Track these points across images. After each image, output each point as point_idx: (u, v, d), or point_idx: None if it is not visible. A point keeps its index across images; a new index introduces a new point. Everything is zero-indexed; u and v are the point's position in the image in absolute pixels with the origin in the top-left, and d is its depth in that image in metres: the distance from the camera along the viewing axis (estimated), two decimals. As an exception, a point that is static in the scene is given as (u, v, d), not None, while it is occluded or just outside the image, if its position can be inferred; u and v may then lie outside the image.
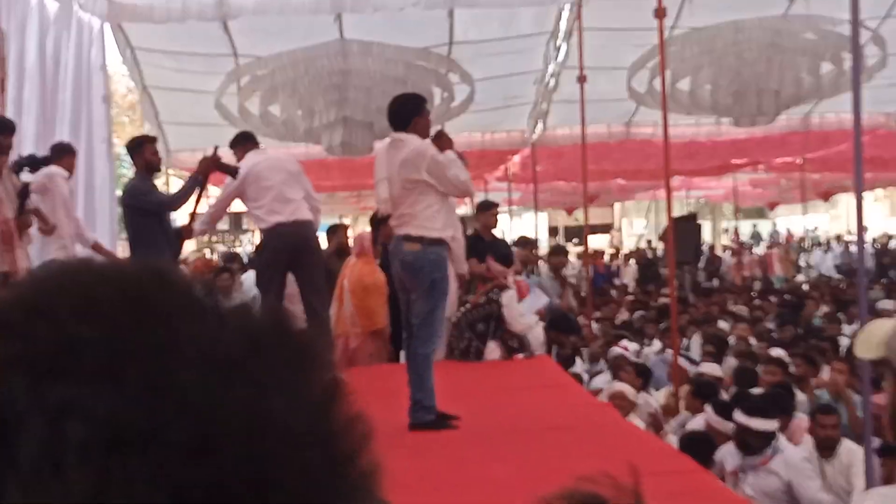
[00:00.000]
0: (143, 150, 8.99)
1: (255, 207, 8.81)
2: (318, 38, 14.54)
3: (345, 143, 14.90)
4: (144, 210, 8.69)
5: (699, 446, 7.19)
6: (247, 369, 0.63)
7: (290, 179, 8.85)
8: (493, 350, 10.11)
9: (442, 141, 7.23)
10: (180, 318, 0.64)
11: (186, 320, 0.64)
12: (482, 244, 11.07)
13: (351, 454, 0.66)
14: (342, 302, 10.40)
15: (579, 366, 11.28)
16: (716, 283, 25.51)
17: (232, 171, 8.76)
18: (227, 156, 9.24)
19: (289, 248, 8.68)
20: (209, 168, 8.90)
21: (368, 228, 11.93)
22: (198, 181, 8.91)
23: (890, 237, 34.28)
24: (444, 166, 6.88)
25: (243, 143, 9.31)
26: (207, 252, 28.16)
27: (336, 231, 12.34)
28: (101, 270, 0.68)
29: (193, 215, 9.44)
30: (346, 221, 38.18)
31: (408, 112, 7.11)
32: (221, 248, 33.91)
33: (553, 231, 46.46)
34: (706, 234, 34.27)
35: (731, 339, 12.41)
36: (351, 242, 11.84)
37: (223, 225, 31.19)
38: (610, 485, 1.06)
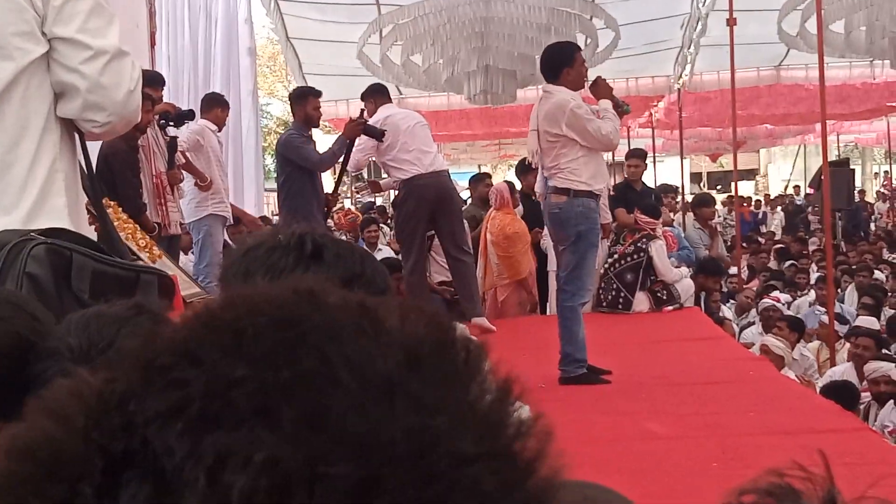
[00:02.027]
0: (306, 103, 9.05)
1: (390, 159, 8.79)
2: (460, -15, 14.42)
3: (486, 91, 14.78)
4: (296, 164, 8.75)
5: (842, 394, 6.99)
6: (406, 389, 0.58)
7: (424, 132, 8.85)
8: (641, 301, 9.97)
9: (599, 89, 7.14)
10: (334, 340, 0.59)
11: (340, 342, 0.59)
12: (632, 193, 10.91)
13: (527, 469, 0.60)
14: (487, 255, 10.36)
15: (727, 313, 11.04)
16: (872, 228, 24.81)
17: (378, 135, 8.73)
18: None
19: (429, 199, 8.67)
20: (356, 131, 8.87)
21: (509, 177, 11.87)
22: (346, 144, 8.91)
23: None
24: (583, 120, 6.74)
25: (376, 95, 9.27)
26: (348, 203, 28.42)
27: (479, 181, 12.27)
28: (251, 300, 0.63)
29: (338, 185, 9.51)
30: (487, 170, 38.35)
31: (556, 63, 6.98)
32: (367, 198, 34.24)
33: (696, 177, 45.79)
34: (857, 180, 33.32)
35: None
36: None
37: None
38: (802, 476, 0.97)
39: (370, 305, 0.64)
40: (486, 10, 14.45)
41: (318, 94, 9.34)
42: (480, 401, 0.61)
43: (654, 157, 23.67)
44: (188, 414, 0.56)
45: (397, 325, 0.62)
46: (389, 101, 9.38)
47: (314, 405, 0.56)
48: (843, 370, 8.35)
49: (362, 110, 9.08)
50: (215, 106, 9.79)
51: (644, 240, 10.05)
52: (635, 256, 10.00)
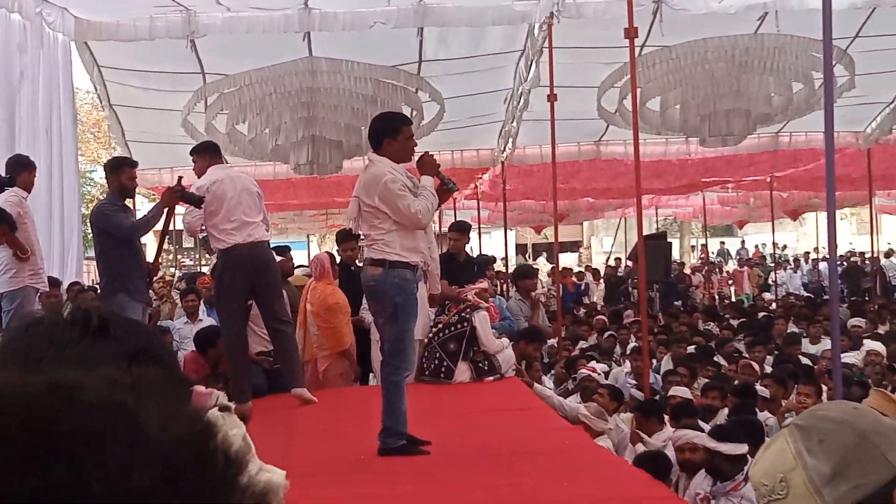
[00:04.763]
0: (121, 174, 8.88)
1: (212, 226, 8.67)
2: (286, 56, 14.47)
3: (313, 161, 14.82)
4: (110, 233, 8.58)
5: (655, 464, 7.12)
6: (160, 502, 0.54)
7: (251, 200, 8.75)
8: (463, 371, 10.01)
9: (425, 165, 7.09)
10: (88, 447, 0.55)
11: (95, 449, 0.56)
12: (454, 264, 11.01)
13: None
14: (306, 325, 10.31)
15: (547, 383, 11.17)
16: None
17: (196, 201, 8.60)
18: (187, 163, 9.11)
19: (247, 270, 8.60)
20: (174, 199, 8.75)
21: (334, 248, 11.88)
22: (161, 211, 8.78)
23: (856, 254, 34.49)
24: (395, 195, 6.69)
25: (207, 153, 9.11)
26: (172, 269, 27.98)
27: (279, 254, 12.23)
28: (4, 396, 0.58)
29: (159, 253, 9.36)
30: (314, 240, 38.23)
31: (380, 132, 6.95)
32: (188, 262, 33.79)
33: (522, 248, 46.55)
34: (674, 253, 34.36)
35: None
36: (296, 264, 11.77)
37: (188, 242, 31.02)
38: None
39: (130, 407, 0.60)
40: (313, 81, 14.51)
41: (133, 164, 9.20)
42: None
43: (480, 228, 23.97)
44: None
45: (157, 432, 0.59)
46: (221, 160, 9.25)
47: None
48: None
49: (180, 177, 8.96)
50: (23, 170, 9.50)
51: (468, 310, 10.14)
52: (459, 326, 10.06)
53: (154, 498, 0.54)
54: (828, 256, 8.00)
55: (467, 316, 10.10)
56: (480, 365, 10.10)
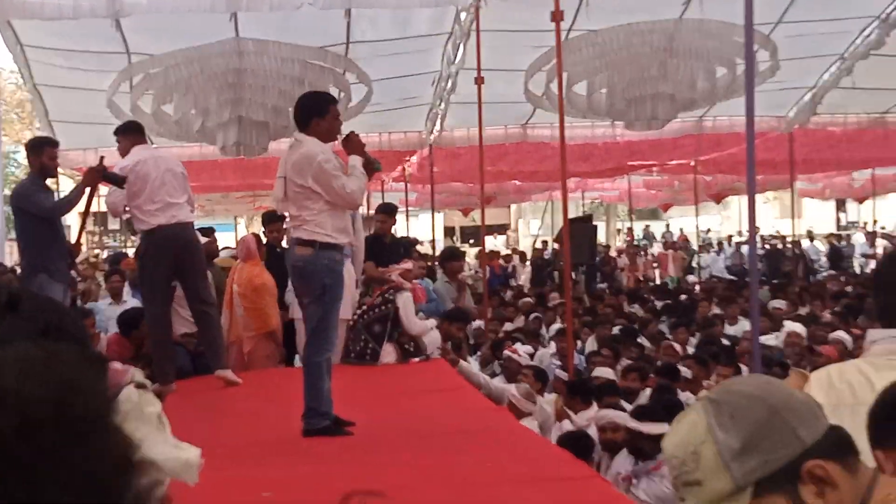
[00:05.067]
0: (42, 153, 8.74)
1: (135, 207, 8.60)
2: (212, 36, 14.32)
3: (239, 142, 14.72)
4: (31, 213, 8.48)
5: (578, 444, 7.19)
6: (18, 460, 0.56)
7: (175, 181, 8.69)
8: (389, 353, 10.03)
9: (351, 145, 7.09)
10: None
11: None
12: (380, 246, 11.03)
13: None
14: (233, 306, 10.26)
15: (474, 365, 11.22)
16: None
17: (119, 181, 8.52)
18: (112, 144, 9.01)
19: (172, 251, 8.55)
20: (95, 179, 8.65)
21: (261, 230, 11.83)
22: (83, 191, 8.67)
23: (778, 237, 35.05)
24: (330, 175, 6.67)
25: (130, 133, 9.02)
26: (98, 251, 27.70)
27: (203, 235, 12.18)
28: None
29: (81, 233, 9.26)
30: (242, 222, 37.96)
31: (307, 112, 6.91)
32: (112, 243, 33.43)
33: (450, 231, 46.60)
34: (601, 236, 34.63)
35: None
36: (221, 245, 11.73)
37: (113, 224, 30.66)
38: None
39: None
40: (240, 62, 14.40)
41: (54, 143, 9.07)
42: (99, 470, 0.59)
43: (408, 211, 23.97)
44: None
45: (14, 386, 0.60)
46: (145, 141, 9.17)
47: None
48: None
49: (101, 157, 8.84)
50: None
51: (391, 291, 10.15)
52: (383, 308, 10.07)
53: (10, 449, 0.56)
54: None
55: (390, 297, 10.11)
56: (406, 346, 10.12)
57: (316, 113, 6.88)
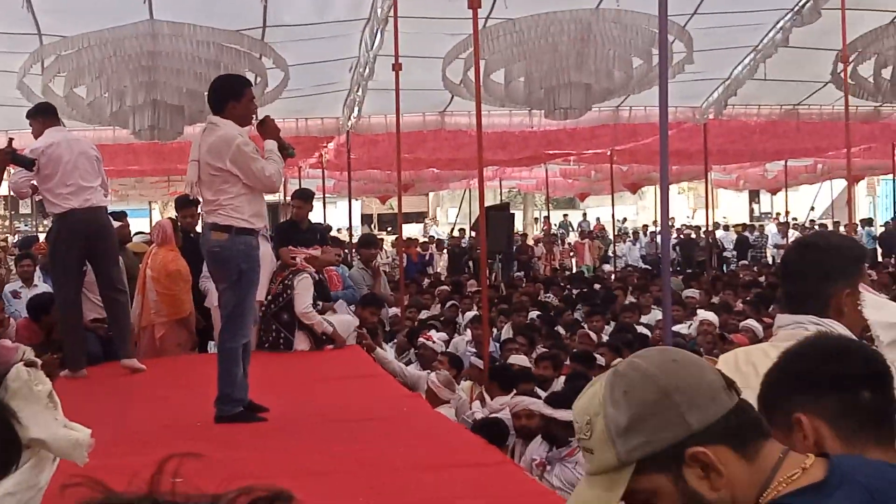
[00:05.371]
0: None
1: (47, 190, 8.46)
2: (126, 18, 14.09)
3: (154, 126, 14.53)
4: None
5: (492, 430, 7.23)
6: None
7: (89, 164, 8.56)
8: (302, 340, 9.96)
9: (267, 129, 7.00)
10: None
11: None
12: (295, 232, 10.97)
13: None
14: (145, 291, 10.13)
15: (389, 352, 11.22)
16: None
17: (28, 164, 8.38)
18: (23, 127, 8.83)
19: (83, 236, 8.43)
20: (4, 161, 8.48)
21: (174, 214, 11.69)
22: None
23: (691, 227, 35.51)
24: (248, 158, 6.58)
25: (42, 115, 8.86)
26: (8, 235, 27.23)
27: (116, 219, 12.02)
28: None
29: None
30: (156, 207, 37.56)
31: (223, 95, 6.80)
32: (23, 227, 32.97)
33: (367, 219, 46.54)
34: (518, 224, 34.80)
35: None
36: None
37: (25, 208, 30.18)
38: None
39: None
40: (154, 45, 14.22)
41: None
42: None
43: (325, 198, 23.85)
44: None
45: None
46: (58, 123, 8.99)
47: None
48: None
49: (10, 139, 8.66)
50: None
51: (290, 276, 10.03)
52: (285, 295, 9.96)
53: None
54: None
55: (290, 283, 10.01)
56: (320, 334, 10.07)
57: (232, 96, 6.77)
